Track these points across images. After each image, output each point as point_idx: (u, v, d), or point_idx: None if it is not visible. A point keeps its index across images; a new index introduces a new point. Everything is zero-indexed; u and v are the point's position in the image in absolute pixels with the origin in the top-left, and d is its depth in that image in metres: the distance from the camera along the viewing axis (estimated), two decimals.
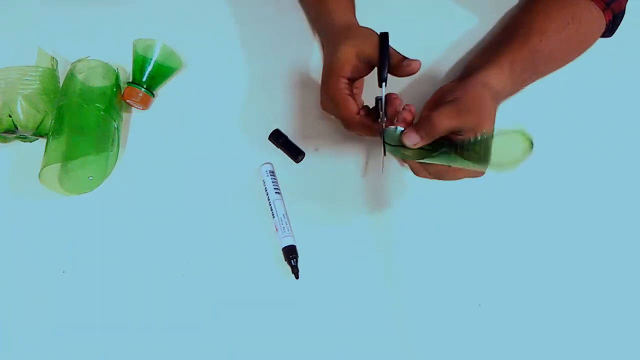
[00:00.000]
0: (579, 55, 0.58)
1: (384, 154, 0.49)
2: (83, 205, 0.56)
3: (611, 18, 0.56)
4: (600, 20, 0.56)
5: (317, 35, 0.63)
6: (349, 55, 0.49)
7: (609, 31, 0.58)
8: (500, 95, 0.52)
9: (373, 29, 0.52)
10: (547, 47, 0.53)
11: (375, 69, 0.50)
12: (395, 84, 0.58)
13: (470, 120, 0.46)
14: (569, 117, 0.61)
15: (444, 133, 0.46)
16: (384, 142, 0.48)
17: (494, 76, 0.51)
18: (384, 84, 0.48)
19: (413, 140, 0.46)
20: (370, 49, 0.49)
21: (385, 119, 0.48)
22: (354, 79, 0.52)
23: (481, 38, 0.64)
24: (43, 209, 0.55)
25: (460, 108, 0.46)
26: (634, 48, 0.64)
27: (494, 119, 0.48)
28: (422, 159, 0.47)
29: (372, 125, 0.49)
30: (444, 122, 0.45)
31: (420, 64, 0.49)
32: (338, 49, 0.50)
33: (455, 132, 0.47)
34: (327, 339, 0.52)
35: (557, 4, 0.55)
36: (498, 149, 0.42)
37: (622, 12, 0.57)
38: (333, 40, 0.52)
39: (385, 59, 0.48)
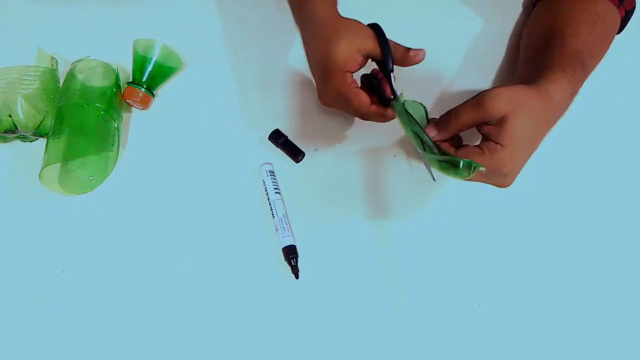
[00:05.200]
0: (607, 50, 0.57)
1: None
2: (83, 205, 0.56)
3: (624, 15, 0.57)
4: (617, 16, 0.56)
5: (298, 28, 0.59)
6: (349, 50, 0.49)
7: (620, 27, 0.59)
8: (559, 96, 0.48)
9: (360, 20, 0.51)
10: (586, 46, 0.52)
11: (370, 60, 0.51)
12: (401, 85, 0.59)
13: (494, 108, 0.44)
14: (571, 117, 0.61)
15: (465, 128, 0.47)
16: (406, 115, 0.49)
17: (546, 80, 0.48)
18: (392, 74, 0.50)
19: (431, 133, 0.48)
20: (370, 43, 0.49)
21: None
22: (354, 73, 0.52)
23: (486, 40, 0.64)
24: (43, 209, 0.55)
25: (481, 99, 0.45)
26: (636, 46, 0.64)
27: (534, 114, 0.45)
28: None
29: (385, 112, 0.51)
30: (462, 117, 0.46)
31: (425, 52, 0.50)
32: (335, 45, 0.49)
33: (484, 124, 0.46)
34: (327, 339, 0.52)
35: (577, 7, 0.55)
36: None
37: (633, 9, 0.57)
38: (321, 35, 0.51)
39: (388, 50, 0.49)
